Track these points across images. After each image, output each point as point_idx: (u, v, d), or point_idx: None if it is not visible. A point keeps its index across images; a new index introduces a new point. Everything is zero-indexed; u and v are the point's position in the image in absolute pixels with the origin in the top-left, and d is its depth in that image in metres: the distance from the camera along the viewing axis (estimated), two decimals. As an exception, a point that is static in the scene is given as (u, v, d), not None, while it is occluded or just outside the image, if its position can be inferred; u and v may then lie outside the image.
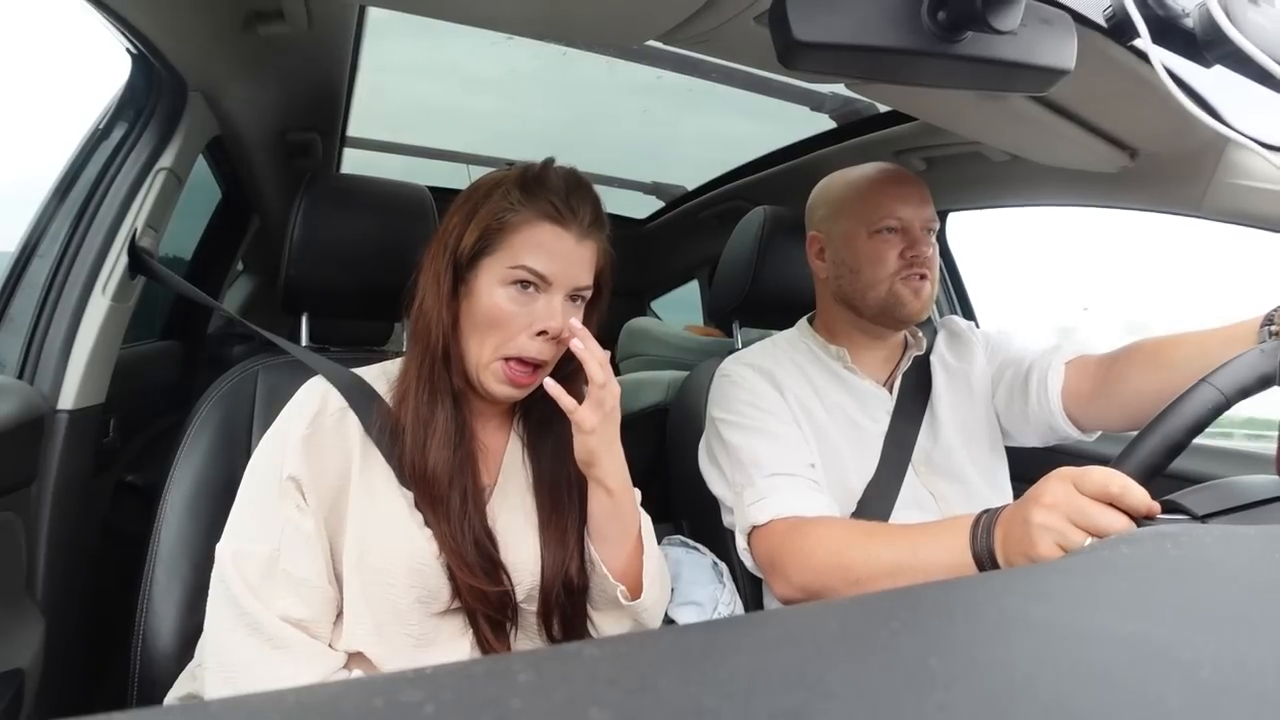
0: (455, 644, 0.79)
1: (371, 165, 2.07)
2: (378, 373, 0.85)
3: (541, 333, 0.77)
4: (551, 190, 0.79)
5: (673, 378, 1.46)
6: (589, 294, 0.82)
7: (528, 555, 0.81)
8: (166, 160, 1.14)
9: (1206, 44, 0.62)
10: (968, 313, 1.74)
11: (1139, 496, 0.60)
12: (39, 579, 0.95)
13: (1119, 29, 0.67)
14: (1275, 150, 0.88)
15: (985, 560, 0.71)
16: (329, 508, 0.77)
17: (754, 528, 0.94)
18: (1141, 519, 0.60)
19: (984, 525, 0.73)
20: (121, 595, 0.78)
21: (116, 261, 1.05)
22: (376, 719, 0.17)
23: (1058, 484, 0.65)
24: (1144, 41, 0.61)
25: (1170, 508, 0.59)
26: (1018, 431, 1.10)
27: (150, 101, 1.15)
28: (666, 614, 0.98)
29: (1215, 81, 0.70)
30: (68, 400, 0.99)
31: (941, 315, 1.59)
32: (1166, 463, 0.62)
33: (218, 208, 1.82)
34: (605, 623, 0.84)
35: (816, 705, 0.18)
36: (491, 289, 0.78)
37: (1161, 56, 0.60)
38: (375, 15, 1.25)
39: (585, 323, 0.81)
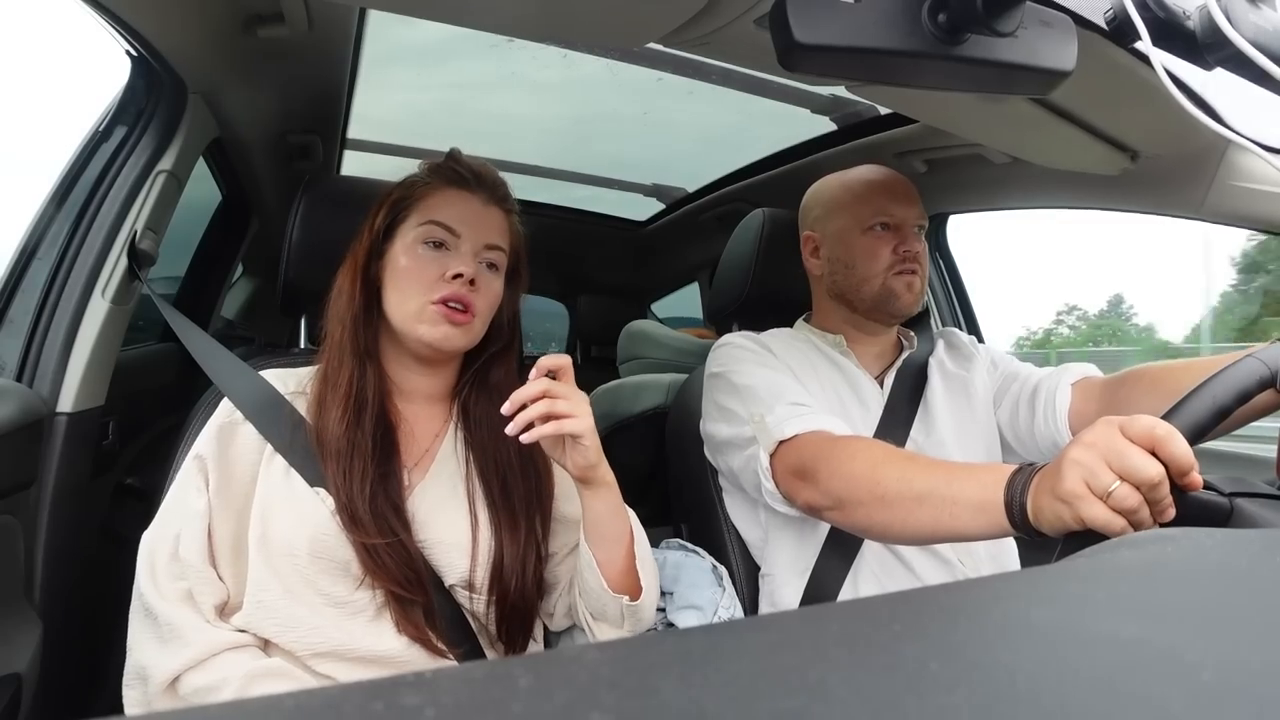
0: (378, 621, 0.78)
1: (372, 168, 2.07)
2: (286, 374, 0.87)
3: (457, 275, 0.81)
4: (457, 163, 0.88)
5: (672, 380, 1.46)
6: (502, 260, 0.86)
7: (459, 537, 0.81)
8: (166, 162, 1.14)
9: (1207, 46, 0.62)
10: (971, 327, 1.73)
11: (1181, 448, 0.58)
12: (37, 583, 0.95)
13: (1119, 31, 0.67)
14: (1276, 153, 0.88)
15: (1014, 507, 0.68)
16: (234, 489, 0.79)
17: (779, 443, 0.91)
18: (1176, 487, 0.59)
19: (1025, 474, 0.70)
20: (119, 599, 0.78)
21: (116, 264, 1.05)
22: (375, 723, 0.17)
23: (1103, 426, 0.63)
24: (1145, 44, 0.61)
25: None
26: (1021, 447, 1.10)
27: (150, 104, 1.15)
28: (667, 617, 0.98)
29: (1216, 84, 0.70)
30: (67, 403, 0.99)
31: (944, 326, 1.59)
32: (1213, 424, 0.62)
33: (218, 210, 1.82)
34: (605, 632, 0.84)
35: (817, 709, 0.18)
36: (405, 250, 0.83)
37: (1162, 59, 0.60)
38: (375, 17, 1.25)
39: (506, 299, 0.87)
